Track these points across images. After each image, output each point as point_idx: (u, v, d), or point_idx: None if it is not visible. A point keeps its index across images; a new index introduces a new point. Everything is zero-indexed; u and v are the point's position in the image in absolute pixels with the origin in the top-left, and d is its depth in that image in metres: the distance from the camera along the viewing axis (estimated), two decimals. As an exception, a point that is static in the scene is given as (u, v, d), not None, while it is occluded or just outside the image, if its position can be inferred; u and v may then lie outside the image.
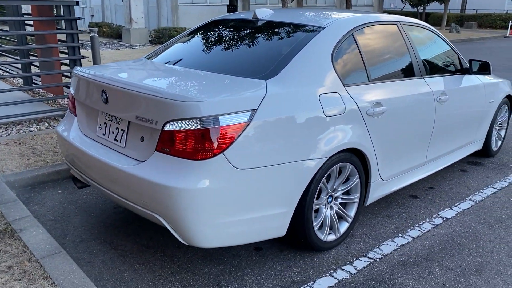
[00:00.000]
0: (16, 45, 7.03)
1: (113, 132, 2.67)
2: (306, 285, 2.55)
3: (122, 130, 2.60)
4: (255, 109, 2.34)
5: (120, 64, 3.13)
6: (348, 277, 2.64)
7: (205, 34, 3.37)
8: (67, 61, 6.33)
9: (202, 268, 2.70)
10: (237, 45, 3.01)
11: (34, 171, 3.84)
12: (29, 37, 9.15)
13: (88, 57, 6.65)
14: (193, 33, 3.49)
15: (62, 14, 5.49)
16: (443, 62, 3.91)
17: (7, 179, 3.66)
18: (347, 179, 2.95)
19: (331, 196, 2.88)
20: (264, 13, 3.32)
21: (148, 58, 3.31)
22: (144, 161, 2.41)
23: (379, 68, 3.17)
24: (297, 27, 3.03)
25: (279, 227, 2.56)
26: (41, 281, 2.35)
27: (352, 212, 3.00)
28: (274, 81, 2.54)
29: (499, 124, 4.87)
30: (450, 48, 4.05)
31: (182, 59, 3.06)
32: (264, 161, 2.37)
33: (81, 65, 5.45)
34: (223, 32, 3.28)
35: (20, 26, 6.33)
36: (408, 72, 3.41)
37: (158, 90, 2.32)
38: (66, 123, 3.09)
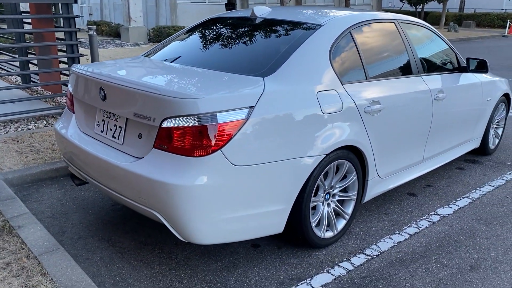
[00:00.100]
0: (14, 43, 7.02)
1: (111, 129, 2.67)
2: (303, 282, 2.56)
3: (120, 127, 2.61)
4: (253, 106, 2.35)
5: (118, 61, 3.14)
6: (345, 273, 2.65)
7: (203, 31, 3.37)
8: (65, 59, 6.33)
9: (200, 264, 2.71)
10: (235, 42, 3.01)
11: (32, 169, 3.84)
12: (27, 35, 9.14)
13: (87, 55, 6.64)
14: (191, 30, 3.50)
15: (61, 12, 5.48)
16: (441, 60, 3.92)
17: (5, 177, 3.66)
18: (345, 177, 2.96)
19: (329, 193, 2.89)
20: (262, 11, 3.32)
21: (146, 56, 3.32)
22: (142, 158, 2.41)
23: (377, 65, 3.18)
24: (295, 24, 3.03)
25: (276, 224, 2.57)
26: (39, 278, 2.36)
27: (349, 209, 3.01)
28: (272, 78, 2.55)
29: (497, 122, 4.88)
30: (448, 46, 4.06)
31: (180, 56, 3.07)
32: (262, 158, 2.38)
33: (79, 63, 5.44)
34: (221, 30, 3.29)
35: (19, 24, 6.32)
36: (405, 70, 3.42)
37: (156, 87, 2.33)
38: (64, 121, 3.09)
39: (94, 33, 5.59)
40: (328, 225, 2.92)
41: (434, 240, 3.05)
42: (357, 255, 2.84)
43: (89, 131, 2.86)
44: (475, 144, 4.53)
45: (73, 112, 3.03)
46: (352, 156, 2.87)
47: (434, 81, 3.64)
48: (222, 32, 3.24)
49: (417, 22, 3.77)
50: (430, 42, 3.86)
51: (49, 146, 4.39)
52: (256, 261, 2.75)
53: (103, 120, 2.74)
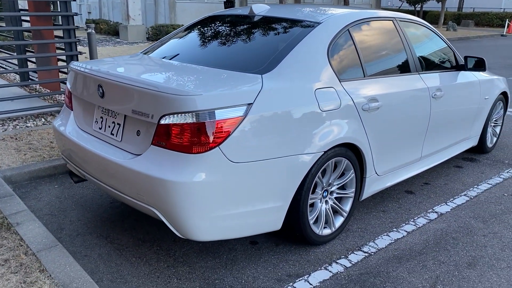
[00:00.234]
0: (12, 40, 7.02)
1: (109, 126, 2.67)
2: (301, 278, 2.57)
3: (118, 124, 2.61)
4: (251, 103, 2.36)
5: (117, 58, 3.14)
6: (343, 270, 2.66)
7: (202, 29, 3.38)
8: (64, 57, 6.32)
9: (198, 261, 2.72)
10: (234, 40, 3.02)
11: (30, 166, 3.84)
12: (25, 33, 9.12)
13: (85, 53, 6.64)
14: (190, 28, 3.50)
15: (59, 10, 5.48)
16: (439, 58, 3.93)
17: (4, 174, 3.66)
18: (343, 174, 2.97)
19: (327, 190, 2.90)
20: (260, 9, 3.33)
21: (145, 53, 3.32)
22: (140, 155, 2.42)
23: (375, 63, 3.18)
24: (293, 22, 3.04)
25: (274, 221, 2.58)
26: (38, 274, 2.37)
27: (347, 207, 3.02)
28: (270, 75, 2.55)
29: (494, 120, 4.90)
30: (446, 45, 4.07)
31: (178, 54, 3.07)
32: (260, 155, 2.39)
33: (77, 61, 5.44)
34: (220, 28, 3.29)
35: (17, 22, 6.31)
36: (403, 68, 3.43)
37: (154, 84, 2.33)
38: (62, 118, 3.10)
39: (93, 31, 5.58)
40: (326, 222, 2.93)
41: (432, 238, 3.07)
42: (354, 252, 2.85)
43: (87, 128, 2.87)
44: (473, 142, 4.54)
45: (72, 110, 3.03)
46: (350, 153, 2.88)
47: (432, 79, 3.65)
48: (220, 30, 3.24)
49: (415, 21, 3.78)
50: (428, 41, 3.87)
51: (48, 144, 4.39)
52: (254, 258, 2.76)
53: (101, 117, 2.75)
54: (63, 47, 5.85)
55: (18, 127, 4.96)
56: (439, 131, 3.77)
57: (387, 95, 3.12)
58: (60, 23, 5.65)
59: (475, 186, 3.97)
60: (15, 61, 7.75)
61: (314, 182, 2.68)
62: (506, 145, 5.20)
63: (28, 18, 6.82)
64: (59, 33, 7.95)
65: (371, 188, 3.20)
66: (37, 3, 5.96)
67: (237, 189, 2.35)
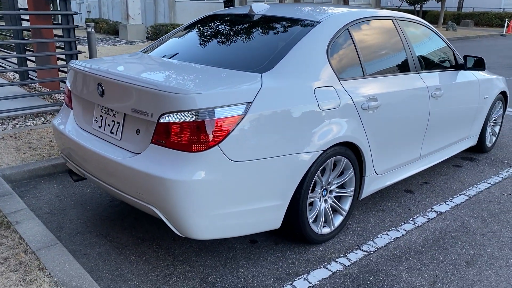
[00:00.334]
0: (12, 39, 7.01)
1: (109, 125, 2.68)
2: (300, 277, 2.58)
3: (118, 122, 2.61)
4: (250, 102, 2.36)
5: (116, 57, 3.14)
6: (342, 269, 2.66)
7: (202, 28, 3.38)
8: (63, 56, 6.33)
9: (198, 260, 2.72)
10: (233, 39, 3.02)
11: (30, 165, 3.84)
12: (25, 32, 9.12)
13: (85, 52, 6.64)
14: (190, 27, 3.50)
15: (59, 9, 5.48)
16: (438, 58, 3.93)
17: (3, 173, 3.66)
18: (342, 173, 2.97)
19: (326, 189, 2.90)
20: (260, 8, 3.33)
21: (144, 52, 3.32)
22: (139, 153, 2.42)
23: (374, 62, 3.19)
24: (293, 21, 3.04)
25: (273, 220, 2.58)
26: (37, 272, 2.37)
27: (346, 206, 3.03)
28: (269, 74, 2.55)
29: (494, 120, 4.90)
30: (445, 44, 4.08)
31: (178, 53, 3.07)
32: (259, 153, 2.39)
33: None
34: (220, 27, 3.29)
35: (16, 21, 6.31)
36: (403, 67, 3.43)
37: (154, 82, 2.34)
38: (62, 116, 3.10)
39: (92, 30, 5.58)
40: (325, 221, 2.93)
41: (431, 236, 3.07)
42: (354, 251, 2.86)
43: (87, 127, 2.87)
44: (472, 141, 4.55)
45: (71, 108, 3.04)
46: (350, 152, 2.88)
47: (432, 78, 3.65)
48: (220, 29, 3.25)
49: (414, 20, 3.78)
50: (427, 40, 3.87)
51: (47, 143, 4.39)
52: (253, 257, 2.76)
53: (101, 116, 2.75)
54: (63, 46, 5.85)
55: (17, 126, 4.96)
56: (438, 130, 3.78)
57: (387, 94, 3.12)
58: (60, 22, 5.64)
59: (474, 185, 3.98)
60: (15, 60, 7.75)
61: (313, 181, 2.69)
62: (505, 144, 5.20)
63: (27, 17, 6.82)
64: (59, 32, 7.95)
65: (370, 187, 3.21)
66: (37, 2, 5.96)
67: (237, 187, 2.35)
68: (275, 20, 3.11)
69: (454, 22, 24.28)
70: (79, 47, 10.04)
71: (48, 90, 6.38)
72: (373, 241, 2.98)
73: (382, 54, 3.29)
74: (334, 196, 2.98)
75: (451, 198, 3.70)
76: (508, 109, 6.72)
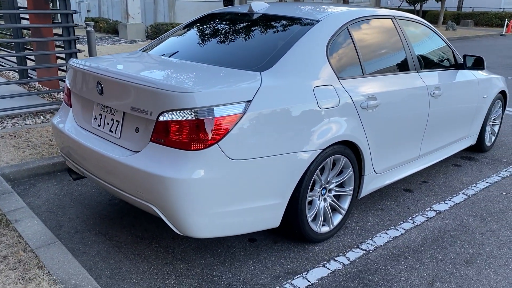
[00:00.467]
0: (11, 38, 7.01)
1: (108, 123, 2.68)
2: (299, 276, 2.58)
3: (117, 121, 2.61)
4: (250, 101, 2.36)
5: (116, 56, 3.14)
6: (341, 267, 2.67)
7: (201, 27, 3.38)
8: (63, 55, 6.32)
9: (197, 258, 2.72)
10: (233, 37, 3.02)
11: (29, 164, 3.84)
12: (24, 31, 9.11)
13: (84, 51, 6.63)
14: (189, 26, 3.50)
15: (58, 8, 5.48)
16: (438, 57, 3.94)
17: (2, 171, 3.66)
18: (341, 172, 2.97)
19: (325, 188, 2.90)
20: (259, 7, 3.33)
21: (144, 51, 3.32)
22: (139, 151, 2.42)
23: (374, 62, 3.19)
24: (292, 20, 3.04)
25: (273, 218, 2.58)
26: (36, 271, 2.37)
27: (345, 204, 3.03)
28: (268, 73, 2.55)
29: (493, 119, 4.90)
30: (445, 43, 4.08)
31: (177, 51, 3.07)
32: (258, 152, 2.39)
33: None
34: (219, 25, 3.29)
35: (16, 19, 6.31)
36: (402, 66, 3.43)
37: (153, 81, 2.34)
38: (61, 115, 3.10)
39: (92, 29, 5.58)
40: (324, 220, 2.93)
41: (430, 236, 3.07)
42: (353, 250, 2.86)
43: (86, 125, 2.87)
44: (472, 141, 4.55)
45: (71, 107, 3.03)
46: (349, 151, 2.88)
47: (431, 77, 3.65)
48: (219, 27, 3.25)
49: (414, 19, 3.78)
50: (427, 39, 3.87)
51: (46, 141, 4.39)
52: (252, 255, 2.77)
53: (100, 114, 2.75)
54: (62, 45, 5.85)
55: (17, 124, 4.95)
56: (437, 130, 3.78)
57: (386, 93, 3.12)
58: (59, 21, 5.64)
59: (474, 185, 3.98)
60: (14, 59, 7.74)
61: (312, 179, 2.69)
62: (505, 144, 5.21)
63: (27, 16, 6.81)
64: (58, 31, 7.94)
65: (369, 186, 3.21)
66: (36, 1, 5.96)
67: (236, 186, 2.35)
68: (275, 19, 3.11)
69: (454, 22, 24.29)
70: (78, 46, 10.03)
71: (48, 89, 6.38)
72: (372, 240, 2.98)
73: (382, 53, 3.29)
74: (333, 195, 2.98)
75: (450, 197, 3.70)
76: (507, 108, 6.73)
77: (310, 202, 2.83)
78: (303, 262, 2.71)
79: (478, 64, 4.05)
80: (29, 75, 6.95)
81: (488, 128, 4.78)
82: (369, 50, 3.17)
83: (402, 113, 3.28)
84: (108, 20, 18.11)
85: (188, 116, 2.23)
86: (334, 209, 3.00)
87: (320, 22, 2.95)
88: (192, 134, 2.24)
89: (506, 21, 24.26)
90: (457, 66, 4.11)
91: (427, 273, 2.64)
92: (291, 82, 2.58)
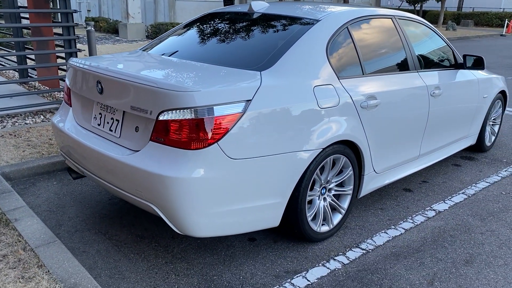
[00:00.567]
0: (11, 37, 7.01)
1: (108, 123, 2.68)
2: (299, 275, 2.58)
3: (117, 120, 2.61)
4: (250, 100, 2.36)
5: (116, 55, 3.14)
6: (340, 267, 2.67)
7: (201, 26, 3.38)
8: (63, 54, 6.32)
9: (196, 257, 2.72)
10: (233, 37, 3.02)
11: (29, 163, 3.84)
12: (25, 30, 9.11)
13: (84, 50, 6.63)
14: (189, 25, 3.50)
15: (58, 7, 5.48)
16: (438, 57, 3.94)
17: (2, 171, 3.66)
18: (341, 171, 2.97)
19: (325, 187, 2.90)
20: (259, 6, 3.33)
21: (144, 50, 3.32)
22: (138, 151, 2.42)
23: (374, 61, 3.19)
24: (292, 19, 3.04)
25: (272, 218, 2.58)
26: (36, 270, 2.37)
27: (345, 204, 3.03)
28: (268, 72, 2.55)
29: (493, 119, 4.90)
30: (445, 43, 4.08)
31: (177, 50, 3.07)
32: (258, 151, 2.39)
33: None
34: (219, 25, 3.29)
35: (16, 19, 6.31)
36: (402, 65, 3.43)
37: (153, 80, 2.34)
38: (61, 114, 3.10)
39: (92, 28, 5.58)
40: (324, 219, 2.93)
41: (430, 235, 3.07)
42: (352, 249, 2.86)
43: (86, 125, 2.87)
44: (472, 141, 4.55)
45: (70, 106, 3.04)
46: (349, 151, 2.88)
47: (431, 77, 3.65)
48: (219, 27, 3.25)
49: (414, 19, 3.78)
50: (427, 39, 3.87)
51: (46, 141, 4.39)
52: (252, 255, 2.77)
53: (100, 114, 2.75)
54: (62, 45, 5.85)
55: (17, 124, 4.95)
56: (437, 129, 3.78)
57: (386, 93, 3.12)
58: (60, 20, 5.64)
59: (473, 185, 3.98)
60: (14, 58, 7.74)
61: (312, 179, 2.69)
62: (504, 144, 5.21)
63: (27, 15, 6.81)
64: (58, 30, 7.94)
65: (369, 185, 3.21)
66: (37, 0, 5.95)
67: (236, 185, 2.35)
68: (275, 18, 3.11)
69: (454, 22, 24.28)
70: (79, 46, 10.03)
71: (48, 88, 6.38)
72: (372, 240, 2.98)
73: (382, 52, 3.29)
74: (333, 195, 2.98)
75: (450, 197, 3.70)
76: (507, 108, 6.73)
77: (310, 202, 2.83)
78: (303, 262, 2.71)
79: (478, 64, 4.06)
80: (29, 74, 6.95)
81: (488, 128, 4.78)
82: (369, 50, 3.17)
83: (402, 112, 3.28)
84: (108, 20, 18.11)
85: (188, 115, 2.23)
86: (334, 209, 3.01)
87: (320, 22, 2.95)
88: (192, 133, 2.24)
89: (506, 21, 24.26)
90: (457, 66, 4.11)
91: (427, 273, 2.64)
92: (291, 82, 2.58)
